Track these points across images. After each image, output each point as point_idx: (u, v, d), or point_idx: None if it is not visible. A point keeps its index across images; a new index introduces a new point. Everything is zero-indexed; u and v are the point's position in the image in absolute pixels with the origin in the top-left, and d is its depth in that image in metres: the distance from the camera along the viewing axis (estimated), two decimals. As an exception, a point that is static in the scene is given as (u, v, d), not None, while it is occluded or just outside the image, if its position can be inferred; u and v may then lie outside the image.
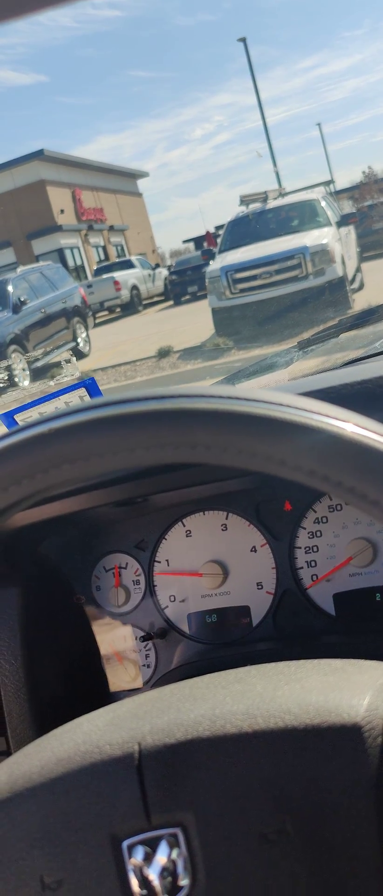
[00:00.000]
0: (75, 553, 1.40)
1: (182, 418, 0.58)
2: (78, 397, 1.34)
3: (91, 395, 1.32)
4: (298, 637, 1.28)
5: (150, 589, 1.37)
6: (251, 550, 1.31)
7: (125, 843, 0.62)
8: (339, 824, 0.60)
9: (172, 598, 1.37)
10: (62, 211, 33.76)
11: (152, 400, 0.59)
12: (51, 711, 1.22)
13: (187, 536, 1.34)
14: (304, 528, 1.28)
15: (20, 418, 1.34)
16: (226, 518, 1.32)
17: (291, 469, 0.57)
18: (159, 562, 1.36)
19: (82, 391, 1.33)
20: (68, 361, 11.91)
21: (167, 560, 1.36)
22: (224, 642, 1.34)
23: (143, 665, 1.39)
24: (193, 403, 0.58)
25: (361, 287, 14.32)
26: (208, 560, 1.32)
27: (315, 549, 1.28)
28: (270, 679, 0.69)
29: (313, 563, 1.28)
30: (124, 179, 43.51)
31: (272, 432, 0.56)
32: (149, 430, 0.58)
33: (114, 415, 0.59)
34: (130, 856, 0.62)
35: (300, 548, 1.28)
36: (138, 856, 0.62)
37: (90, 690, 1.37)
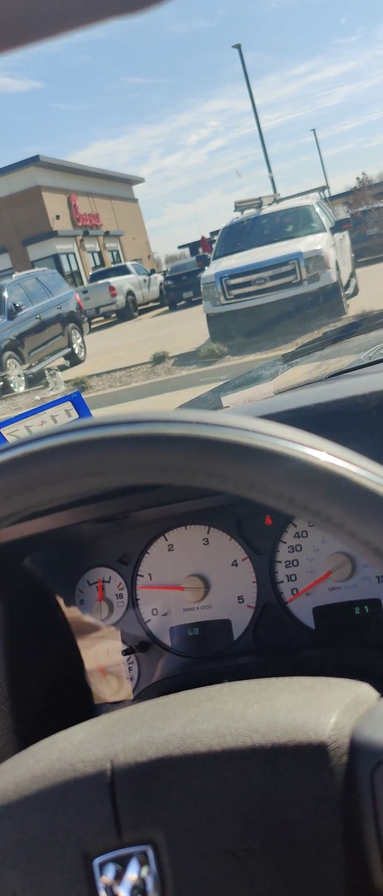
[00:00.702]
0: (59, 568, 1.41)
1: (155, 443, 0.59)
2: (64, 411, 1.36)
3: (77, 409, 1.33)
4: (278, 650, 1.30)
5: (133, 602, 1.38)
6: (232, 564, 1.32)
7: (96, 861, 0.63)
8: (306, 841, 0.61)
9: (155, 612, 1.38)
10: (58, 217, 33.75)
11: (125, 425, 0.60)
12: (34, 725, 1.23)
13: (169, 551, 1.35)
14: (284, 543, 1.29)
15: (7, 432, 1.35)
16: (208, 532, 1.33)
17: (260, 492, 0.59)
18: (142, 576, 1.37)
19: (68, 405, 1.34)
20: (53, 375, 11.90)
21: (149, 574, 1.37)
22: (205, 656, 1.35)
23: (126, 678, 1.40)
24: (164, 428, 0.59)
25: (355, 293, 14.36)
26: (190, 574, 1.33)
27: (295, 563, 1.29)
28: (241, 697, 0.70)
29: (293, 577, 1.29)
30: (120, 185, 43.54)
31: (239, 458, 0.58)
32: (123, 454, 0.59)
33: (88, 439, 0.60)
34: (101, 873, 0.63)
35: (280, 562, 1.29)
36: (109, 874, 0.62)
37: (74, 703, 1.38)
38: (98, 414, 0.67)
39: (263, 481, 0.58)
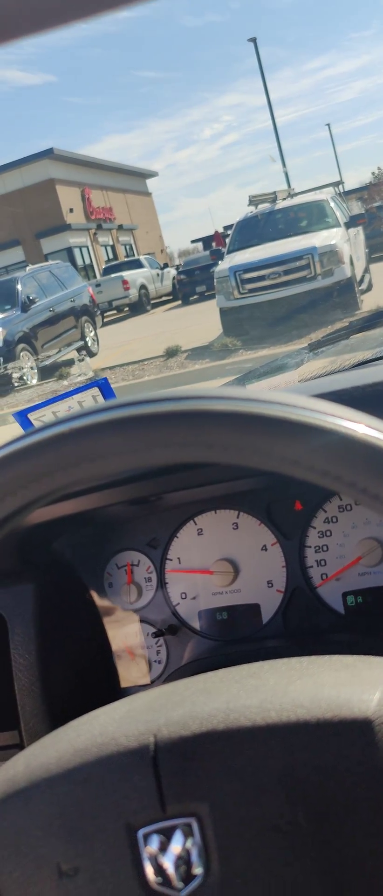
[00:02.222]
0: (88, 550, 1.42)
1: (201, 419, 0.59)
2: (91, 397, 1.36)
3: (104, 395, 1.33)
4: (307, 635, 1.30)
5: (162, 586, 1.39)
6: (262, 549, 1.33)
7: (140, 833, 0.64)
8: (351, 817, 0.62)
9: (183, 596, 1.38)
10: (71, 210, 33.80)
11: (171, 401, 0.60)
12: (63, 706, 1.23)
13: (199, 535, 1.36)
14: (314, 528, 1.29)
15: (34, 417, 1.35)
16: (238, 517, 1.33)
17: (305, 469, 0.59)
18: (171, 559, 1.38)
19: (95, 391, 1.34)
20: (82, 360, 11.90)
21: (178, 558, 1.38)
22: (234, 639, 1.35)
23: (154, 661, 1.41)
24: (212, 405, 0.59)
25: (369, 288, 14.30)
26: (219, 558, 1.34)
27: (325, 548, 1.29)
28: (283, 674, 0.70)
29: (323, 563, 1.29)
30: (133, 179, 43.52)
31: (287, 433, 0.58)
32: (169, 430, 0.60)
33: (135, 415, 0.60)
34: (146, 844, 0.63)
35: (310, 547, 1.30)
36: (153, 845, 0.63)
37: (102, 685, 1.39)
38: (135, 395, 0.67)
39: (309, 458, 0.58)
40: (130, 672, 1.42)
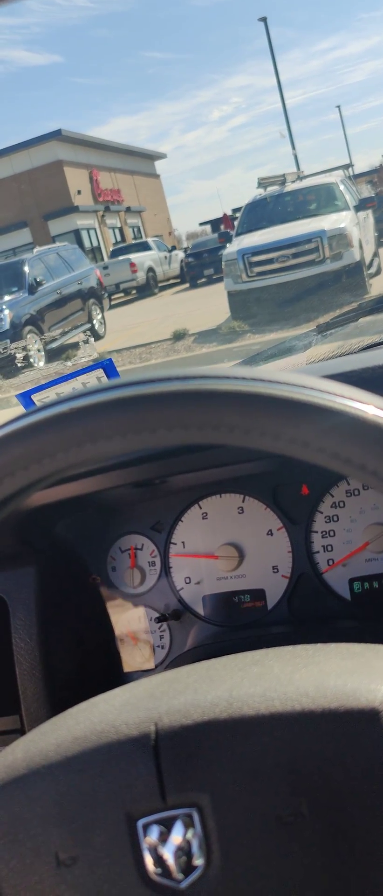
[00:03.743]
0: (91, 534, 1.40)
1: (206, 399, 0.57)
2: (95, 378, 1.34)
3: (109, 377, 1.32)
4: (313, 621, 1.28)
5: (166, 570, 1.38)
6: (267, 534, 1.31)
7: (140, 823, 0.62)
8: (355, 809, 0.60)
9: (188, 580, 1.37)
10: (79, 192, 33.72)
11: (176, 380, 0.58)
12: (65, 690, 1.23)
13: (203, 519, 1.34)
14: (321, 513, 1.28)
15: (37, 398, 1.34)
16: (243, 501, 1.32)
17: (314, 451, 0.57)
18: (175, 543, 1.37)
19: (100, 372, 1.33)
20: (86, 342, 11.90)
21: (183, 542, 1.36)
22: (239, 625, 1.34)
23: (158, 646, 1.40)
24: (218, 384, 0.57)
25: (378, 272, 14.23)
26: (224, 543, 1.33)
27: (331, 533, 1.27)
28: (288, 662, 0.68)
29: (329, 548, 1.28)
30: (142, 160, 43.38)
31: (296, 414, 0.56)
32: (173, 410, 0.58)
33: (140, 394, 0.59)
34: (145, 835, 0.62)
35: (316, 532, 1.28)
36: (153, 835, 0.62)
37: (104, 670, 1.38)
38: (140, 374, 0.65)
39: (319, 439, 0.57)
40: (133, 657, 1.41)
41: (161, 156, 48.75)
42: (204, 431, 0.58)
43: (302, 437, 0.57)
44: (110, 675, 1.39)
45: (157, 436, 0.59)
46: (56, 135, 32.42)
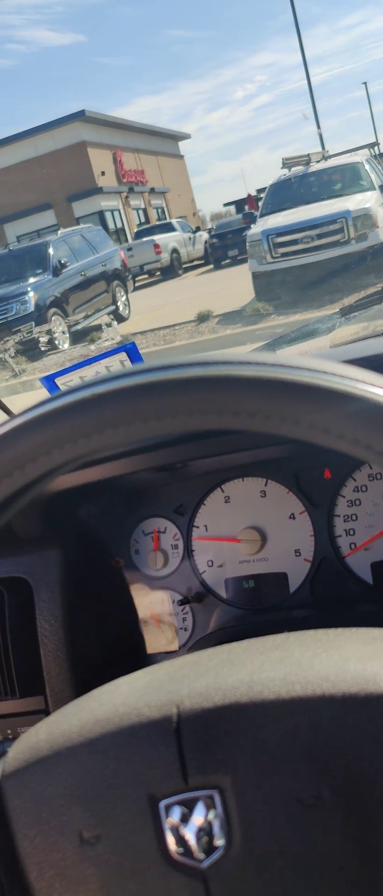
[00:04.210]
0: (115, 517, 1.41)
1: (226, 385, 0.58)
2: (119, 361, 1.35)
3: (132, 360, 1.32)
4: (335, 605, 1.29)
5: (188, 553, 1.38)
6: (289, 517, 1.31)
7: (162, 803, 0.63)
8: (376, 792, 0.60)
9: (210, 563, 1.38)
10: (103, 173, 33.66)
11: (196, 366, 0.59)
12: (89, 672, 1.24)
13: (226, 502, 1.35)
14: (343, 497, 1.27)
15: (61, 382, 1.35)
16: (265, 485, 1.32)
17: (334, 437, 0.57)
18: (197, 527, 1.37)
19: (123, 355, 1.33)
20: (109, 325, 11.91)
21: (205, 525, 1.37)
22: (261, 608, 1.34)
23: (180, 628, 1.41)
24: (238, 370, 0.58)
25: (405, 253, 14.07)
26: (246, 526, 1.33)
27: (353, 517, 1.27)
28: (308, 646, 0.69)
29: (351, 532, 1.28)
30: (166, 141, 43.18)
31: (316, 400, 0.56)
32: (193, 396, 0.58)
33: (159, 380, 0.59)
34: (167, 815, 0.63)
35: (339, 516, 1.28)
36: (175, 815, 0.63)
37: (127, 652, 1.39)
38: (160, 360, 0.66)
39: (339, 425, 0.57)
40: (157, 639, 1.42)
41: (185, 136, 48.47)
42: (224, 417, 0.59)
43: (322, 423, 0.57)
44: (134, 657, 1.40)
45: (178, 421, 0.59)
46: (79, 116, 32.35)
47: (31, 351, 12.55)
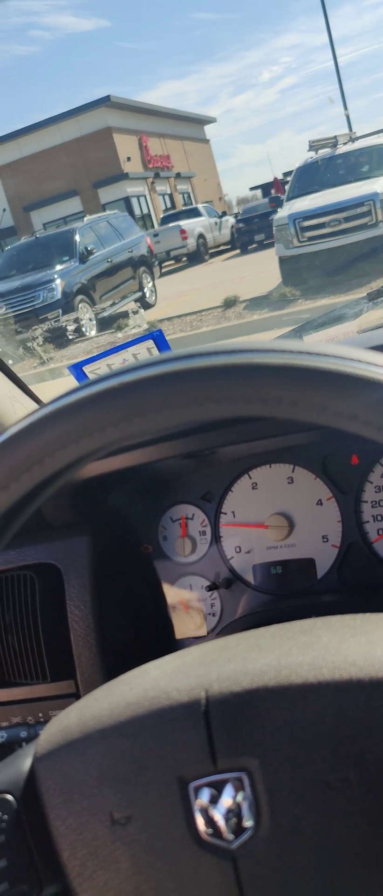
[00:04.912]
0: (142, 504, 1.42)
1: (253, 373, 0.58)
2: (145, 349, 1.36)
3: (159, 347, 1.33)
4: (363, 590, 1.28)
5: (216, 539, 1.39)
6: (317, 503, 1.31)
7: (192, 785, 0.64)
8: None
9: (238, 549, 1.38)
10: (129, 158, 33.61)
11: (223, 354, 0.59)
12: (118, 656, 1.25)
13: (253, 489, 1.35)
14: (371, 483, 1.27)
15: (89, 370, 1.36)
16: (293, 471, 1.32)
17: (362, 424, 0.57)
18: (225, 513, 1.38)
19: (150, 343, 1.34)
20: (135, 312, 11.91)
21: (233, 512, 1.37)
22: (288, 594, 1.35)
23: (209, 614, 1.42)
24: (264, 358, 0.58)
25: None
26: (274, 512, 1.33)
27: (381, 503, 1.27)
28: (336, 631, 0.69)
29: (379, 518, 1.27)
30: (191, 125, 42.96)
31: (344, 388, 0.57)
32: (221, 384, 0.59)
33: (187, 369, 0.59)
34: (197, 797, 0.64)
35: (366, 502, 1.28)
36: (204, 797, 0.64)
37: (156, 637, 1.40)
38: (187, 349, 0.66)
39: (367, 412, 0.57)
40: (185, 624, 1.43)
41: (210, 120, 48.17)
42: (251, 404, 0.59)
43: (349, 410, 0.57)
44: (163, 642, 1.41)
45: (206, 409, 0.60)
46: (105, 101, 32.30)
47: (58, 338, 12.61)
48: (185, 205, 36.70)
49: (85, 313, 13.80)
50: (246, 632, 0.75)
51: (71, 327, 12.83)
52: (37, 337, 12.08)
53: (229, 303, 12.15)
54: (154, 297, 16.60)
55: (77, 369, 1.35)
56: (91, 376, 1.41)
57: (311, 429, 1.15)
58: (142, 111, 36.42)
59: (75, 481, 1.22)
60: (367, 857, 0.62)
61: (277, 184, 22.05)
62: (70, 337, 12.66)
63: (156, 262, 18.11)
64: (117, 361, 1.38)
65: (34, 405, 1.47)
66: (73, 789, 0.68)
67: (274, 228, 12.93)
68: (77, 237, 14.82)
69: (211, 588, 1.39)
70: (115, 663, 1.22)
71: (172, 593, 1.43)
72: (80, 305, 13.74)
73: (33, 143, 32.19)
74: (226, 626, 1.38)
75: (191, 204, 35.71)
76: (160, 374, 0.60)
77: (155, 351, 1.34)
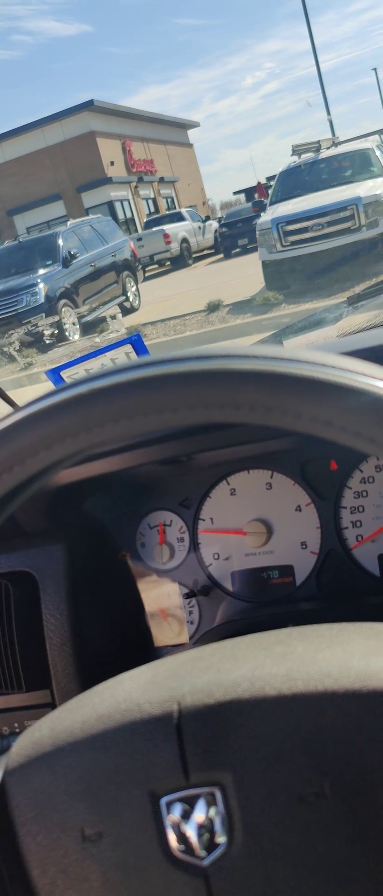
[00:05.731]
0: (120, 510, 1.41)
1: (227, 379, 0.57)
2: (124, 354, 1.35)
3: (137, 352, 1.32)
4: (342, 597, 1.28)
5: (194, 546, 1.38)
6: (295, 510, 1.30)
7: (163, 800, 0.63)
8: (377, 789, 0.60)
9: (216, 556, 1.37)
10: (112, 163, 33.61)
11: (196, 360, 0.58)
12: (95, 666, 1.24)
13: (231, 495, 1.34)
14: (350, 488, 1.27)
15: (66, 375, 1.35)
16: (271, 477, 1.31)
17: (337, 430, 0.56)
18: (203, 520, 1.37)
19: (128, 347, 1.33)
20: (114, 318, 11.91)
21: (211, 518, 1.36)
22: (267, 601, 1.34)
23: (187, 621, 1.40)
24: (238, 364, 0.57)
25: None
26: (252, 519, 1.32)
27: (360, 509, 1.26)
28: (311, 641, 0.68)
29: (358, 524, 1.27)
30: (174, 130, 43.05)
31: (317, 393, 0.56)
32: (194, 390, 0.58)
33: (159, 374, 0.59)
34: (169, 812, 0.63)
35: (345, 508, 1.27)
36: (176, 812, 0.62)
37: (135, 645, 1.39)
38: (161, 354, 0.65)
39: (341, 418, 0.56)
40: (164, 632, 1.42)
41: (194, 124, 48.26)
42: (225, 410, 0.58)
43: (323, 416, 0.56)
44: (141, 650, 1.40)
45: (179, 415, 0.59)
46: (88, 105, 32.28)
47: (38, 343, 12.57)
48: (169, 209, 36.76)
49: (68, 317, 13.78)
50: (221, 642, 0.74)
51: (47, 332, 12.78)
52: (14, 342, 12.02)
53: (213, 307, 12.18)
54: (138, 302, 16.61)
55: (55, 374, 1.34)
56: (68, 381, 1.40)
57: (290, 434, 1.14)
58: (126, 115, 36.45)
59: (50, 488, 1.20)
60: (342, 872, 0.61)
61: (260, 188, 22.13)
62: (48, 342, 12.60)
63: (140, 267, 18.13)
64: (95, 366, 1.37)
65: (9, 410, 1.45)
66: (45, 804, 0.66)
67: (257, 233, 12.97)
68: (60, 241, 14.79)
69: (189, 595, 1.38)
70: (92, 673, 1.20)
71: (150, 601, 1.42)
72: (63, 309, 13.71)
73: (17, 147, 32.12)
74: (203, 635, 1.37)
75: (175, 208, 35.78)
76: (132, 380, 0.59)
77: (133, 355, 1.33)
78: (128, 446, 1.16)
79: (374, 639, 0.68)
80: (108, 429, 0.60)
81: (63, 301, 13.83)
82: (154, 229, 25.84)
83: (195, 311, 12.70)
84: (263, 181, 24.00)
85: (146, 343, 1.32)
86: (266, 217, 12.86)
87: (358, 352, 1.08)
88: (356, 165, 13.22)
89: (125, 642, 1.35)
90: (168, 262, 25.50)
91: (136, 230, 31.01)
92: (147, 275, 22.03)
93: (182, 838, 0.62)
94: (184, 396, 0.58)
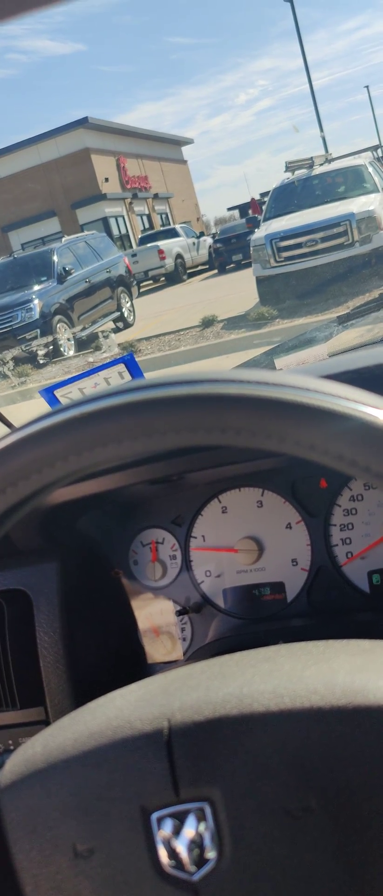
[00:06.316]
0: (113, 528, 1.42)
1: (212, 403, 0.59)
2: (117, 373, 1.36)
3: (130, 371, 1.33)
4: (332, 614, 1.29)
5: (187, 564, 1.39)
6: (286, 527, 1.32)
7: (154, 816, 0.64)
8: (363, 803, 0.61)
9: (208, 574, 1.38)
10: (106, 179, 33.68)
11: (183, 385, 0.60)
12: (89, 683, 1.25)
13: (223, 513, 1.36)
14: (340, 506, 1.28)
15: (60, 394, 1.36)
16: (262, 495, 1.33)
17: (320, 454, 0.58)
18: (195, 537, 1.38)
19: (121, 367, 1.35)
20: (106, 336, 11.91)
21: (203, 536, 1.37)
22: (258, 618, 1.35)
23: (179, 638, 1.41)
24: (224, 388, 0.59)
25: (409, 254, 14.04)
26: (244, 536, 1.33)
27: (350, 526, 1.28)
28: (298, 659, 0.69)
29: (348, 541, 1.28)
30: (169, 146, 43.15)
31: (300, 418, 0.57)
32: (181, 414, 0.59)
33: (146, 399, 0.60)
34: (159, 828, 0.64)
35: (335, 525, 1.29)
36: (167, 828, 0.63)
37: (128, 663, 1.40)
38: (150, 377, 0.67)
39: (324, 442, 0.58)
40: (157, 649, 1.43)
41: (188, 141, 48.38)
42: (212, 434, 0.60)
43: (306, 440, 0.58)
44: (133, 668, 1.41)
45: (167, 438, 0.60)
46: (83, 122, 32.35)
47: (33, 360, 12.55)
48: (163, 225, 36.82)
49: (63, 333, 13.78)
50: (211, 659, 0.75)
51: (41, 352, 12.74)
52: (8, 361, 12.00)
53: (207, 322, 12.20)
54: (132, 317, 16.63)
55: (49, 393, 1.35)
56: (63, 401, 1.41)
57: (279, 455, 1.15)
58: (120, 132, 36.53)
59: (44, 507, 1.22)
60: (330, 887, 0.62)
61: (254, 204, 22.18)
62: (41, 362, 12.57)
63: (135, 282, 18.15)
64: (89, 385, 1.38)
65: (5, 430, 1.46)
66: (38, 821, 0.67)
67: (251, 249, 13.00)
68: (55, 257, 14.80)
69: (181, 613, 1.39)
70: (86, 690, 1.21)
71: (143, 618, 1.43)
72: (58, 326, 13.71)
73: (11, 163, 32.14)
74: (195, 652, 1.37)
75: (169, 224, 35.83)
76: (121, 405, 0.61)
77: (126, 374, 1.35)
78: (120, 466, 1.18)
79: (360, 655, 0.69)
80: (97, 452, 0.62)
81: (58, 317, 13.83)
82: (148, 245, 25.89)
83: (189, 326, 12.71)
84: (257, 197, 24.05)
85: (141, 358, 1.34)
86: (260, 233, 12.90)
87: (344, 373, 1.10)
88: (349, 182, 13.28)
89: (118, 659, 1.36)
90: (162, 278, 25.54)
91: (131, 246, 31.07)
92: (141, 290, 22.05)
93: (172, 854, 0.63)
94: (172, 421, 0.60)
